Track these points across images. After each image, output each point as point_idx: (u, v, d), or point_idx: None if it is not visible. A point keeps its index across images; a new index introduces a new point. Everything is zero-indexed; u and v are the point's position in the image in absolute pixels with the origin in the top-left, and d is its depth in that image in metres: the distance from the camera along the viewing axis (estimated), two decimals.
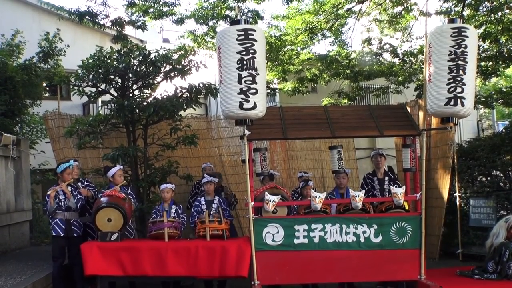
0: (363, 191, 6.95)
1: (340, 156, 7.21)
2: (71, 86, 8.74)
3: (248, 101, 6.11)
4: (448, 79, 6.12)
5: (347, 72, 13.81)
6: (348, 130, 7.03)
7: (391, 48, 13.54)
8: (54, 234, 7.16)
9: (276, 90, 14.69)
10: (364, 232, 6.66)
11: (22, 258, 8.20)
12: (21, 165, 9.42)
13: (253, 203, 6.59)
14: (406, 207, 7.03)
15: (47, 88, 15.14)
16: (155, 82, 8.86)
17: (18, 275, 6.95)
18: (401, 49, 13.66)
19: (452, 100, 6.13)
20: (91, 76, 8.40)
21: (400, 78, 13.66)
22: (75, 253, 7.08)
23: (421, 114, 9.26)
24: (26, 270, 7.30)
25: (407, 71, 13.50)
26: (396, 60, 13.78)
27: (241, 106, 6.11)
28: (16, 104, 11.07)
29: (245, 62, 6.07)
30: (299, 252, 6.59)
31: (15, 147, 9.11)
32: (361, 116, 7.18)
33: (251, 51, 6.08)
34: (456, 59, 6.11)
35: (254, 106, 6.15)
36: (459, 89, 6.11)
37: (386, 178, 7.69)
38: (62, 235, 7.11)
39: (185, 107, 8.53)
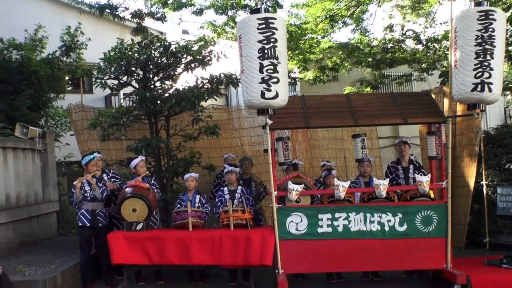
0: (387, 179, 6.92)
1: (363, 145, 7.18)
2: (94, 79, 8.85)
3: (270, 90, 6.12)
4: (475, 65, 6.02)
5: (369, 60, 13.68)
6: (371, 118, 6.99)
7: (414, 35, 13.33)
8: (80, 224, 7.30)
9: (297, 79, 14.65)
10: (389, 220, 6.65)
11: (50, 248, 8.37)
12: (47, 157, 9.57)
13: (276, 192, 6.62)
14: (432, 196, 6.98)
15: (70, 82, 15.37)
16: (176, 73, 8.91)
17: (47, 264, 7.09)
18: (424, 35, 13.45)
19: (479, 86, 6.03)
20: (112, 68, 8.50)
21: (423, 65, 13.48)
22: (101, 242, 7.22)
23: (446, 101, 9.14)
24: (55, 259, 7.44)
25: (430, 57, 13.31)
26: (420, 47, 13.57)
27: (263, 95, 6.12)
28: (41, 98, 11.24)
29: (266, 51, 6.07)
30: (323, 241, 6.62)
31: (41, 140, 9.25)
32: (384, 104, 7.14)
33: (272, 39, 6.07)
34: (483, 44, 6.00)
35: (276, 95, 6.16)
36: (486, 75, 6.01)
37: (411, 167, 7.64)
38: (88, 225, 7.25)
39: (206, 97, 8.57)
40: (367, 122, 7.14)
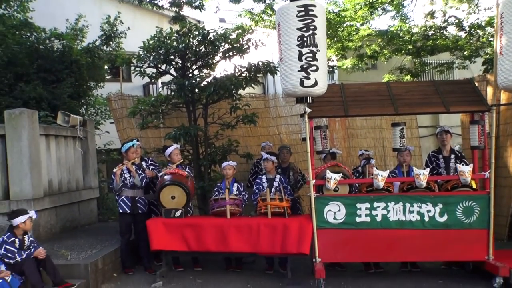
0: (428, 169, 6.83)
1: (402, 134, 7.09)
2: (133, 68, 8.99)
3: (308, 78, 6.13)
4: None
5: (409, 47, 13.44)
6: (412, 107, 6.90)
7: (457, 21, 13.02)
8: (120, 211, 7.49)
9: (335, 68, 14.52)
10: (429, 211, 6.58)
11: (91, 233, 8.61)
12: (87, 145, 9.81)
13: (314, 181, 6.62)
14: (474, 186, 6.86)
15: (109, 71, 15.67)
16: (214, 61, 8.97)
17: (89, 249, 7.31)
18: (467, 22, 13.11)
19: None
20: (151, 57, 8.62)
21: (466, 53, 13.14)
22: (140, 229, 7.39)
23: (489, 89, 8.92)
24: (96, 244, 7.65)
25: (473, 44, 12.96)
26: (462, 34, 13.25)
27: (301, 83, 6.13)
28: (81, 86, 11.52)
29: (305, 38, 6.07)
30: (361, 230, 6.60)
31: (82, 127, 9.46)
32: (425, 92, 7.03)
33: (312, 27, 6.06)
34: None
35: (315, 84, 6.16)
36: None
37: (452, 156, 7.50)
38: (128, 211, 7.42)
39: (244, 86, 8.61)
40: (407, 110, 7.04)
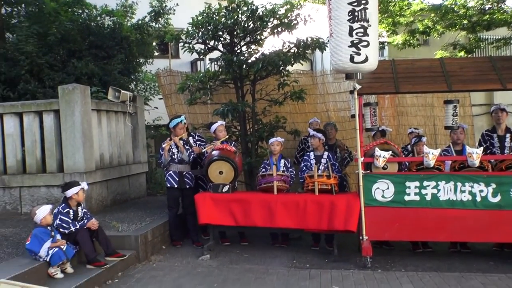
0: (481, 148, 6.66)
1: (455, 112, 6.93)
2: (182, 44, 9.08)
3: (359, 54, 6.05)
4: None
5: (464, 22, 13.02)
6: (466, 83, 6.70)
7: None
8: (168, 185, 7.67)
9: (385, 44, 14.24)
10: (481, 191, 6.43)
11: (140, 207, 8.87)
12: (137, 120, 10.04)
13: (362, 158, 6.58)
14: None
15: (157, 47, 15.87)
16: (262, 37, 8.94)
17: (138, 221, 7.54)
18: None
19: None
20: (200, 33, 8.67)
21: None
22: (188, 203, 7.55)
23: None
24: (145, 217, 7.89)
25: None
26: None
27: (352, 59, 6.06)
28: (131, 62, 11.75)
29: (356, 13, 5.97)
30: (410, 209, 6.53)
31: (132, 103, 9.68)
32: (481, 68, 6.81)
33: (363, 1, 5.96)
34: None
35: (366, 59, 6.07)
36: None
37: (508, 135, 7.29)
38: (176, 186, 7.59)
39: (292, 62, 8.56)
40: (461, 87, 6.85)
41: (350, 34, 5.98)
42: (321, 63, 16.62)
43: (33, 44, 9.88)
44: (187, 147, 7.65)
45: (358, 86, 6.40)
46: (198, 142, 8.03)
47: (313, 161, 7.42)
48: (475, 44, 13.89)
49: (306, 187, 7.04)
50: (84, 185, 6.30)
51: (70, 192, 6.15)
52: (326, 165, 7.24)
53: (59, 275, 5.58)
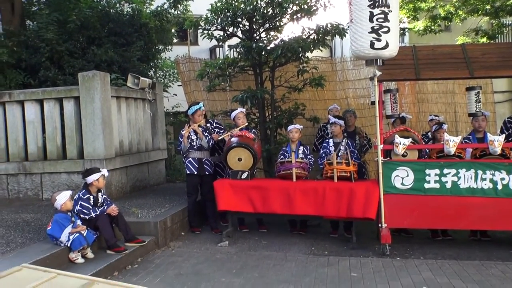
0: (503, 135, 6.57)
1: (478, 98, 6.85)
2: (201, 30, 9.07)
3: (379, 40, 5.98)
4: None
5: (487, 7, 12.77)
6: (489, 70, 6.59)
7: None
8: (188, 172, 7.71)
9: (406, 30, 14.05)
10: (502, 179, 6.36)
11: (159, 193, 8.95)
12: (156, 107, 10.09)
13: (382, 145, 6.54)
14: None
15: (176, 34, 15.89)
16: (282, 23, 8.89)
17: (158, 208, 7.61)
18: None
19: None
20: (219, 19, 8.64)
21: None
22: (207, 190, 7.59)
23: None
24: (164, 203, 7.96)
25: None
26: None
27: (372, 45, 6.00)
28: (150, 49, 11.80)
29: None
30: (430, 196, 6.49)
31: (151, 90, 9.72)
32: (504, 55, 6.70)
33: None
34: None
35: (386, 46, 6.01)
36: None
37: None
38: (195, 173, 7.63)
39: (312, 48, 8.49)
40: (484, 74, 6.73)
41: (371, 20, 5.92)
42: (340, 49, 16.53)
43: (53, 32, 9.98)
44: (206, 133, 7.67)
45: (378, 73, 6.34)
46: (216, 129, 8.04)
47: (332, 148, 7.40)
48: (498, 29, 13.61)
49: (325, 174, 7.03)
50: (104, 171, 6.37)
51: (91, 179, 6.23)
52: (345, 152, 7.22)
53: (80, 260, 5.68)
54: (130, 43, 11.13)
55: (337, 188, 6.71)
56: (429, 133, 7.85)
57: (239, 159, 7.13)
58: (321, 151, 7.57)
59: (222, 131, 8.03)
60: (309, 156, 7.48)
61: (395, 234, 6.98)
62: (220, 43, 10.26)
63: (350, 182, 6.77)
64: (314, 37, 8.55)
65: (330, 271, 5.78)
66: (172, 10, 12.30)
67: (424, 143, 7.43)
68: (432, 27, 13.60)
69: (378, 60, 6.18)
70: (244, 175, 7.13)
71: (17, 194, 8.53)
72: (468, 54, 6.73)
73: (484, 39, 13.34)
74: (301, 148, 7.51)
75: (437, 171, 6.46)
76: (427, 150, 7.09)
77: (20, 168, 8.46)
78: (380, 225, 6.54)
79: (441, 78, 8.32)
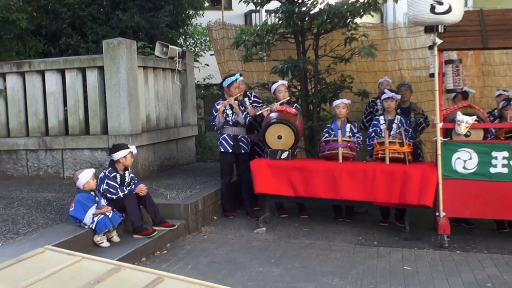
0: None
1: None
2: None
3: (441, 4, 5.83)
4: None
5: None
6: None
7: None
8: (222, 150, 7.72)
9: None
10: None
11: (189, 173, 9.00)
12: (186, 78, 10.10)
13: (441, 124, 6.38)
14: None
15: None
16: None
17: (188, 189, 7.67)
18: None
19: None
20: None
21: None
22: (243, 170, 7.60)
23: None
24: (195, 184, 8.01)
25: None
26: None
27: (432, 9, 5.85)
28: (180, 15, 11.77)
29: None
30: (496, 183, 6.32)
31: (181, 59, 9.70)
32: None
33: None
34: None
35: (449, 10, 5.85)
36: None
37: None
38: (230, 151, 7.63)
39: (361, 13, 8.32)
40: None
41: None
42: (393, 14, 16.19)
43: None
44: (243, 108, 7.63)
45: (438, 41, 6.16)
46: (254, 104, 7.99)
47: (383, 126, 7.26)
48: None
49: (375, 155, 6.93)
50: (133, 148, 6.43)
51: (118, 156, 6.29)
52: (398, 131, 7.08)
53: (105, 243, 5.77)
54: (158, 7, 11.12)
55: (389, 171, 6.61)
56: (496, 111, 7.63)
57: (279, 137, 7.08)
58: (370, 130, 7.44)
59: (260, 106, 7.98)
60: (357, 135, 7.39)
61: (454, 224, 6.86)
62: (258, 7, 10.14)
63: (404, 165, 6.66)
64: (364, 0, 8.37)
65: (380, 264, 5.73)
66: None
67: (490, 121, 7.23)
68: None
69: (439, 26, 6.01)
70: (284, 155, 7.08)
71: (37, 172, 8.72)
72: None
73: None
74: (348, 125, 7.42)
75: (506, 154, 6.26)
76: (494, 130, 6.89)
77: (40, 144, 8.63)
78: (437, 213, 6.41)
79: None
